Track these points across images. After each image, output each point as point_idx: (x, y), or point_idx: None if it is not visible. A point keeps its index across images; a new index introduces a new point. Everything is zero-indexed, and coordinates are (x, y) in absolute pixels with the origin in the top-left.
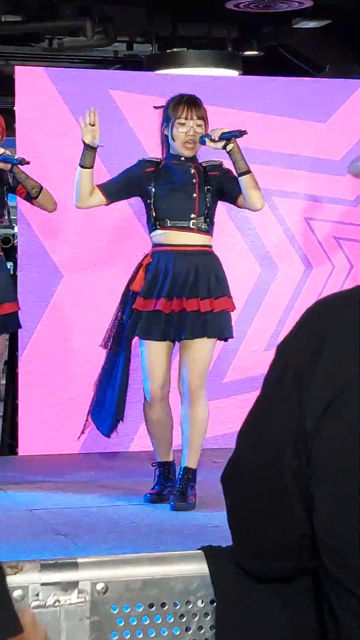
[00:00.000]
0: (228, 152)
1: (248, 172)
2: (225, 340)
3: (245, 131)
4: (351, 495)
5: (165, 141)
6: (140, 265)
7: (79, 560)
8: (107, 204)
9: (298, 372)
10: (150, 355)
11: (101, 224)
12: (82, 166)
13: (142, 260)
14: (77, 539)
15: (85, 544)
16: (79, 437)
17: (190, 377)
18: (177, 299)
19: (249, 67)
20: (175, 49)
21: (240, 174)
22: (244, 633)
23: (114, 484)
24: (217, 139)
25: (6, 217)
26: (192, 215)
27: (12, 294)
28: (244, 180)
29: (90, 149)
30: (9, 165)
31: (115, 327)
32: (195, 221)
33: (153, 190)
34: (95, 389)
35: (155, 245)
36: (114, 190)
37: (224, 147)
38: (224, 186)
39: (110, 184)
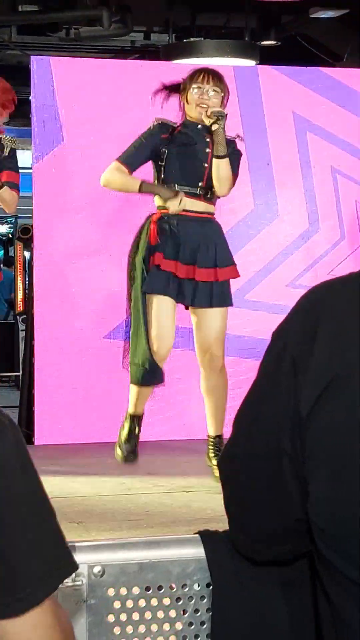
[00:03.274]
0: (212, 131)
1: (223, 156)
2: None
3: (225, 113)
4: (345, 480)
5: (182, 108)
6: (149, 221)
7: (77, 544)
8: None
9: (293, 357)
10: (165, 313)
11: (115, 213)
12: (140, 191)
13: (151, 217)
14: (90, 527)
15: (99, 531)
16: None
17: (214, 347)
18: (189, 265)
19: (267, 57)
20: (192, 39)
21: (216, 156)
22: (240, 615)
23: (128, 473)
24: (209, 114)
25: None
26: (200, 184)
27: None
28: (218, 164)
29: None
30: None
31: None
32: (202, 189)
33: (166, 152)
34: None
35: (161, 207)
36: (136, 163)
37: (211, 125)
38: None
39: (131, 156)
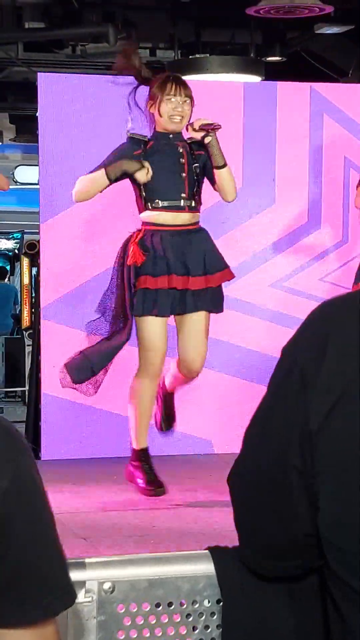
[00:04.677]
0: (206, 144)
1: (224, 165)
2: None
3: (219, 125)
4: (355, 494)
5: (152, 119)
6: (130, 240)
7: (87, 560)
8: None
9: (303, 372)
10: (156, 330)
11: (123, 228)
12: (109, 178)
13: (135, 237)
14: (97, 543)
15: (105, 547)
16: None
17: (197, 354)
18: (184, 277)
19: (272, 73)
20: (198, 55)
21: (217, 167)
22: (251, 632)
23: (134, 488)
24: (197, 128)
25: None
26: (183, 195)
27: None
28: (220, 174)
29: (128, 175)
30: None
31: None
32: (185, 201)
33: None
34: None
35: (146, 224)
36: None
37: (203, 138)
38: (207, 167)
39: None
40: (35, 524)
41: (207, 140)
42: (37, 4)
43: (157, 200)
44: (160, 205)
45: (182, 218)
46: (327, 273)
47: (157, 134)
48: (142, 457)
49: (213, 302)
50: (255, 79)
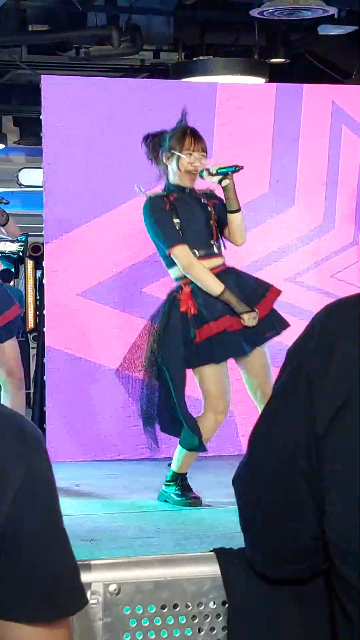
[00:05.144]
0: (223, 187)
1: (238, 210)
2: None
3: (241, 167)
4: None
5: (165, 170)
6: (174, 298)
7: (92, 562)
8: None
9: (309, 375)
10: (220, 376)
11: (126, 233)
12: (221, 298)
13: (177, 293)
14: (102, 545)
15: (110, 549)
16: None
17: (268, 382)
18: (235, 317)
19: (276, 74)
20: (201, 57)
21: (231, 211)
22: (256, 634)
23: (140, 490)
24: (214, 172)
25: None
26: (211, 242)
27: (9, 301)
28: (233, 218)
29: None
30: None
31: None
32: (216, 247)
33: (179, 223)
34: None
35: (178, 279)
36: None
37: (220, 182)
38: (220, 216)
39: (180, 235)
40: (47, 524)
41: (224, 183)
42: (41, 6)
43: (194, 251)
44: (198, 254)
45: (216, 262)
46: (299, 272)
47: (174, 187)
48: (181, 479)
49: (275, 322)
50: (259, 80)
